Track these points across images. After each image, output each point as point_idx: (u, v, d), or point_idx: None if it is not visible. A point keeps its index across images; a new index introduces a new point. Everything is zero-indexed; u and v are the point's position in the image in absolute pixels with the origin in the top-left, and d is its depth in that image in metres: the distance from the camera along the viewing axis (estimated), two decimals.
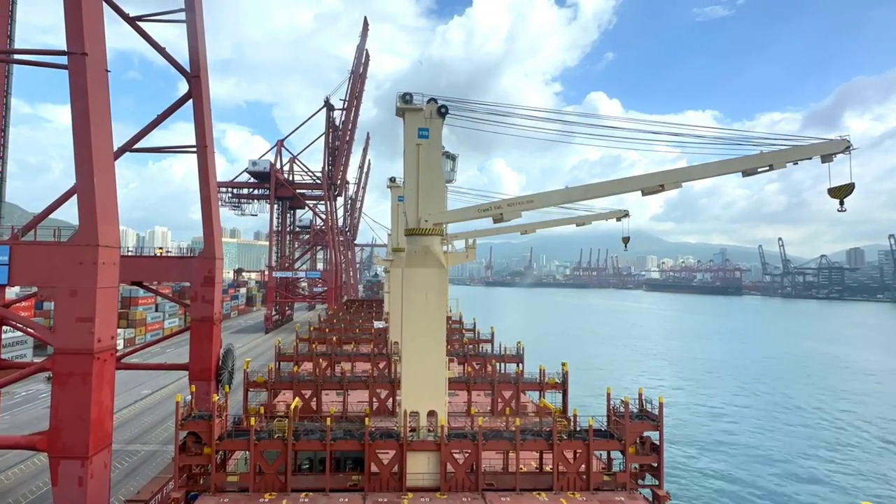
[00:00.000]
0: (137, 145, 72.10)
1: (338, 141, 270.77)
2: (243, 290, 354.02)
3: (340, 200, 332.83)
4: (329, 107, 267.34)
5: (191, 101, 73.66)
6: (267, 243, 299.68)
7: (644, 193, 54.64)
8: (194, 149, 74.27)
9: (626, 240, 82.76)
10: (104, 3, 55.33)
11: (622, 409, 54.00)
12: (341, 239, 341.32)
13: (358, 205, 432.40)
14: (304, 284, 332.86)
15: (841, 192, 52.44)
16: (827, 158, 52.08)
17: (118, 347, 54.49)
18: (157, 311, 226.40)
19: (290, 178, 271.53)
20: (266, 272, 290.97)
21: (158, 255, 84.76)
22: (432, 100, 56.34)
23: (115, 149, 59.28)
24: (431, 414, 54.78)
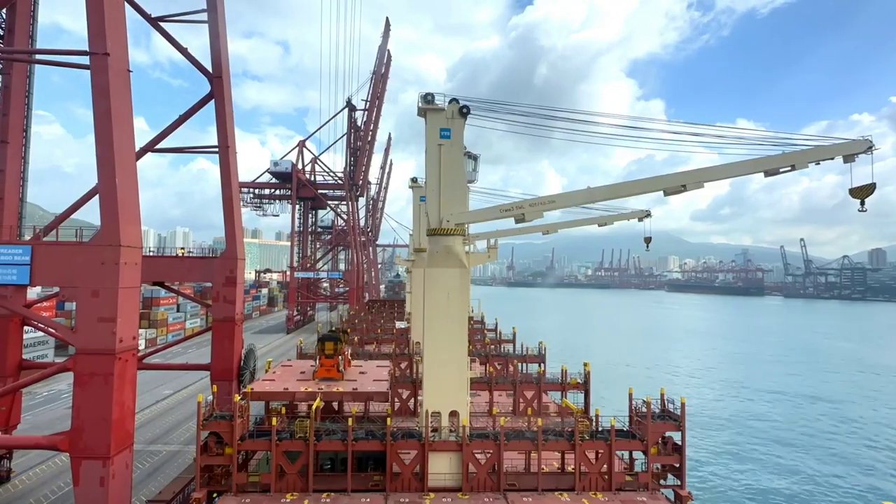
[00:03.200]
0: (161, 145, 72.74)
1: (359, 141, 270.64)
2: (265, 291, 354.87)
3: (362, 201, 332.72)
4: (351, 107, 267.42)
5: (213, 102, 74.01)
6: (288, 244, 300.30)
7: (666, 193, 54.38)
8: (216, 149, 74.63)
9: (647, 240, 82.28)
10: (126, 3, 55.51)
11: (644, 410, 53.76)
12: (363, 239, 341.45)
13: (380, 205, 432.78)
14: (325, 285, 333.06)
15: (862, 193, 52.51)
16: (849, 158, 51.89)
17: (139, 348, 54.52)
18: (178, 311, 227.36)
19: (312, 179, 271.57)
20: (287, 272, 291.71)
21: (180, 255, 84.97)
22: (454, 100, 56.11)
23: (138, 149, 59.53)
24: (453, 414, 54.58)
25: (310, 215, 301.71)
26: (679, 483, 53.53)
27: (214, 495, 51.69)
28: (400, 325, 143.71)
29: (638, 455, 56.10)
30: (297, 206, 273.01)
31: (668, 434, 54.35)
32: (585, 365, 77.80)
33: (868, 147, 51.21)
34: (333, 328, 73.97)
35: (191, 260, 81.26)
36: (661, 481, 54.21)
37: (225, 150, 74.53)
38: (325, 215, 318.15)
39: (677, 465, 53.75)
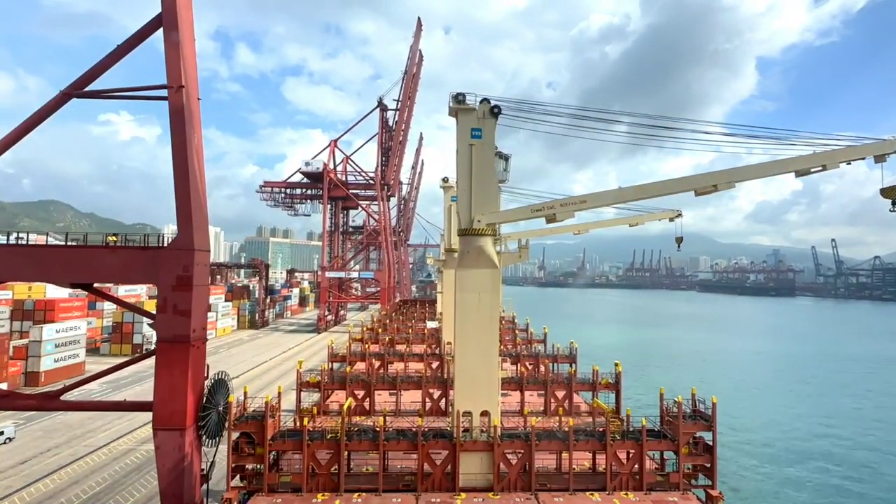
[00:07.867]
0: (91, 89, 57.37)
1: (391, 141, 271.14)
2: (296, 290, 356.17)
3: (394, 201, 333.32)
4: (382, 107, 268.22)
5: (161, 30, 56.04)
6: (320, 244, 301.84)
7: (697, 193, 54.13)
8: (164, 88, 55.29)
9: (679, 240, 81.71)
10: None
11: (675, 410, 53.52)
12: (394, 239, 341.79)
13: (411, 205, 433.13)
14: (356, 285, 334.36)
15: (893, 193, 52.25)
16: (880, 159, 51.83)
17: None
18: (209, 310, 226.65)
19: (344, 179, 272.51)
20: (319, 272, 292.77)
21: (111, 243, 56.83)
22: (485, 100, 56.04)
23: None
24: (484, 414, 54.46)
25: (341, 215, 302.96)
26: (710, 483, 53.16)
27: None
28: (431, 325, 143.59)
29: (669, 455, 55.80)
30: (329, 206, 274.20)
31: (699, 434, 54.13)
32: (617, 365, 77.40)
33: None
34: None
35: (127, 252, 55.44)
36: (693, 481, 53.89)
37: (178, 92, 54.63)
38: (357, 215, 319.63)
39: (708, 466, 53.45)
